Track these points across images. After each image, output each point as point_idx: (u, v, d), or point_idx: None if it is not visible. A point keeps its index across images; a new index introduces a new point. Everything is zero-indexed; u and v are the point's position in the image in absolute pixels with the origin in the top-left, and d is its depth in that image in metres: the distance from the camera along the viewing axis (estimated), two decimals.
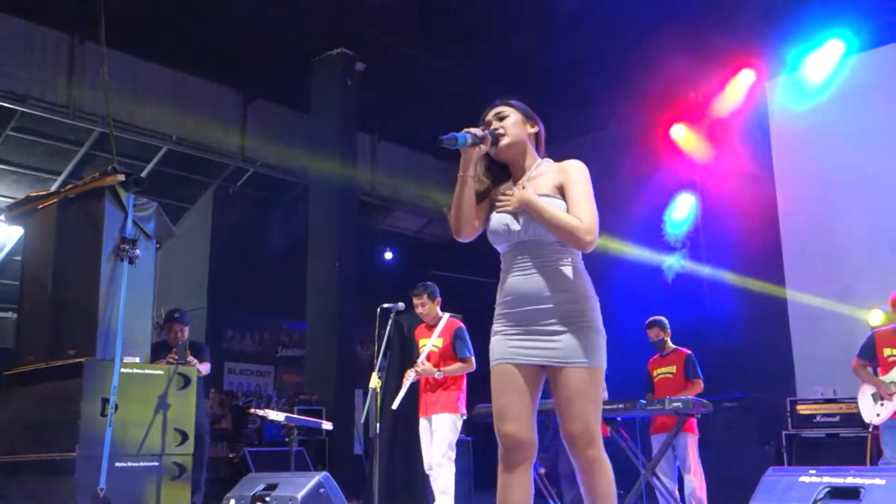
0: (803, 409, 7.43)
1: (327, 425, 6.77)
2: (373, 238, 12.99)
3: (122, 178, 4.70)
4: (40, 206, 5.14)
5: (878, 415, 5.68)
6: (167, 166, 11.07)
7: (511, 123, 2.96)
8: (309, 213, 10.68)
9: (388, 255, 13.28)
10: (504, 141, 2.94)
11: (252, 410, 7.33)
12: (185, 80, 10.93)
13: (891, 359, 5.66)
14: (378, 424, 5.74)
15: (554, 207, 2.83)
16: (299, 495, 4.21)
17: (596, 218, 2.81)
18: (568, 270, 2.87)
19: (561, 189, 2.89)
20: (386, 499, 5.77)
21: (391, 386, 6.22)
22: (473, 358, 5.77)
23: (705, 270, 10.15)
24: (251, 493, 4.46)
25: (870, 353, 5.81)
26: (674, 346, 6.82)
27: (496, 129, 2.93)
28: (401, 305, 5.89)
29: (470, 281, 13.63)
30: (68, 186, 5.18)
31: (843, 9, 8.65)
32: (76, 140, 10.28)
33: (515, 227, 2.89)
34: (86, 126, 9.99)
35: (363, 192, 12.16)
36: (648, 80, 9.36)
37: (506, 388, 2.85)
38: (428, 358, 5.73)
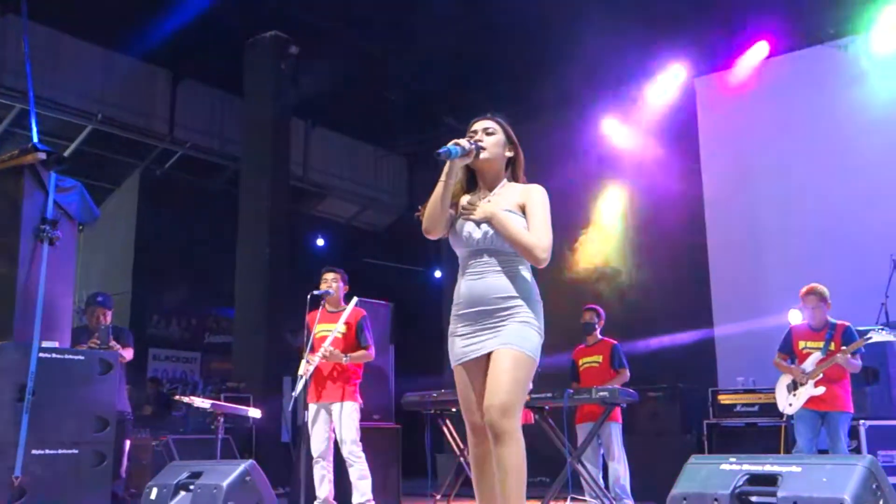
0: (724, 399, 7.63)
1: (254, 413, 6.69)
2: (304, 224, 12.85)
3: (42, 156, 4.55)
4: None
5: (790, 404, 5.89)
6: (92, 146, 10.76)
7: (493, 142, 3.26)
8: (239, 198, 10.51)
9: (320, 242, 13.16)
10: (483, 155, 3.21)
11: (177, 397, 7.19)
12: (113, 58, 10.62)
13: (805, 351, 5.91)
14: (306, 412, 5.69)
15: (515, 223, 3.13)
16: (224, 483, 4.14)
17: (551, 239, 3.13)
18: (517, 276, 3.17)
19: (522, 208, 3.19)
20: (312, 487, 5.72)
21: None
22: (374, 348, 5.80)
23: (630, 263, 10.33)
24: (174, 482, 4.36)
25: (788, 347, 6.06)
26: (600, 336, 6.95)
27: (479, 142, 3.21)
28: (331, 293, 5.84)
29: (400, 269, 13.65)
30: None
31: (769, 12, 8.87)
32: None
33: (477, 234, 3.18)
34: (6, 102, 9.63)
35: (295, 178, 12.02)
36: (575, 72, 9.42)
37: (466, 384, 3.17)
38: (333, 344, 5.64)
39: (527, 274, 3.21)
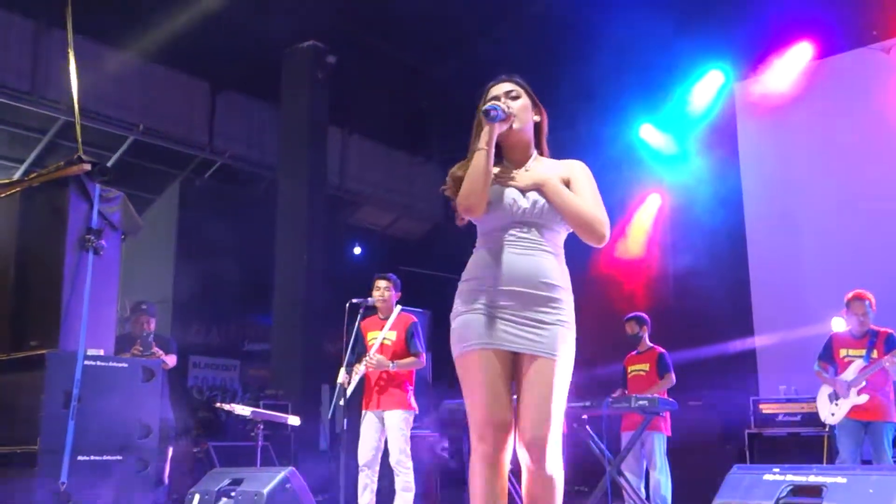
0: (766, 409, 7.54)
1: (294, 420, 6.73)
2: (341, 233, 12.92)
3: (88, 167, 4.62)
4: (3, 195, 5.04)
5: (832, 414, 5.80)
6: (133, 156, 10.92)
7: (521, 107, 2.85)
8: (277, 207, 10.61)
9: (357, 251, 13.22)
10: (515, 124, 2.82)
11: (217, 405, 7.27)
12: (153, 70, 10.78)
13: (846, 359, 5.82)
14: (345, 420, 5.70)
15: (571, 194, 2.77)
16: (265, 490, 4.18)
17: (606, 215, 2.78)
18: (561, 261, 2.81)
19: (566, 184, 2.81)
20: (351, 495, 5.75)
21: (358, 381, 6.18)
22: (425, 355, 5.77)
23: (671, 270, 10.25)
24: (216, 489, 4.42)
25: (828, 355, 5.97)
26: (650, 343, 6.90)
27: (509, 110, 2.80)
28: (370, 301, 5.86)
29: (436, 277, 13.65)
30: (32, 175, 5.08)
31: (810, 15, 8.76)
32: (40, 128, 10.09)
33: (523, 202, 2.75)
34: (50, 114, 9.81)
35: (332, 187, 12.10)
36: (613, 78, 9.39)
37: (498, 373, 2.67)
38: (380, 351, 5.66)
39: (563, 258, 2.83)
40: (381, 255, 13.13)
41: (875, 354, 5.69)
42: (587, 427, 5.96)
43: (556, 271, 2.75)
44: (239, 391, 11.70)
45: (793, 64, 9.33)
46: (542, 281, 2.70)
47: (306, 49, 10.44)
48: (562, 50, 9.53)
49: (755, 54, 9.52)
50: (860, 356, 5.74)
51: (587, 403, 5.85)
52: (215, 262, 11.41)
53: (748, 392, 8.14)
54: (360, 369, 5.56)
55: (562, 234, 2.82)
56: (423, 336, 6.00)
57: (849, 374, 5.74)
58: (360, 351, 5.70)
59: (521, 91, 2.89)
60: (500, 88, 2.89)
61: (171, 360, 6.36)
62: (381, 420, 5.61)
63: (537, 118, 2.91)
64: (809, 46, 9.18)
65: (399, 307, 5.90)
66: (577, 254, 3.10)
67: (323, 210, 10.70)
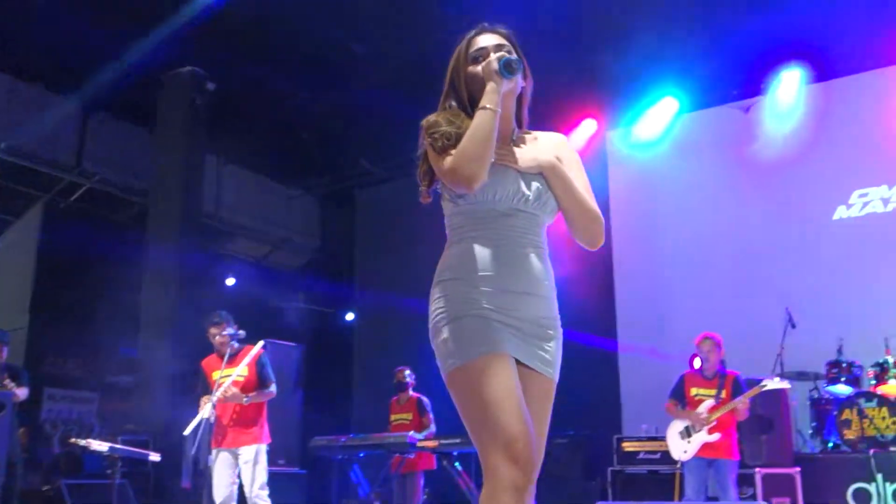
0: (628, 447, 7.78)
1: (154, 456, 6.48)
2: (214, 263, 12.61)
3: None
4: None
5: (685, 451, 6.04)
6: None
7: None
8: (147, 234, 10.26)
9: (230, 282, 12.93)
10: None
11: (72, 440, 6.90)
12: (19, 86, 10.30)
13: (697, 398, 6.09)
14: (209, 457, 5.54)
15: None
16: None
17: None
18: (549, 261, 2.39)
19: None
20: None
21: None
22: (275, 385, 5.75)
23: None
24: None
25: (679, 393, 6.24)
26: (412, 393, 7.13)
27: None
28: (242, 333, 5.76)
29: (311, 311, 13.49)
30: None
31: (677, 70, 9.29)
32: None
33: (525, 190, 2.30)
34: None
35: (206, 215, 11.82)
36: None
37: (518, 393, 2.15)
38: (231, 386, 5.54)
39: None
40: (255, 287, 12.88)
41: (724, 395, 5.99)
42: (455, 464, 6.01)
43: (550, 277, 2.36)
44: (96, 426, 11.16)
45: (661, 116, 9.89)
46: (545, 285, 2.33)
47: (185, 74, 10.21)
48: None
49: (626, 106, 10.00)
50: (710, 395, 6.03)
51: (458, 440, 5.90)
52: (77, 289, 10.92)
53: (612, 430, 8.38)
54: (207, 409, 5.39)
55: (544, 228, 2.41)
56: (285, 371, 5.96)
57: (701, 410, 6.01)
58: (205, 391, 5.58)
59: (512, 48, 2.39)
60: (486, 39, 2.40)
61: (22, 393, 6.02)
62: (236, 457, 5.51)
63: (524, 82, 2.41)
64: (675, 101, 9.73)
65: (261, 342, 5.81)
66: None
67: (195, 239, 10.42)
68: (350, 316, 12.90)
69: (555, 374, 2.32)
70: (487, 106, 2.23)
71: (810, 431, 7.42)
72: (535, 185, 2.30)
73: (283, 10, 8.65)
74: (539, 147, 2.40)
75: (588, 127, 10.29)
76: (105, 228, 11.66)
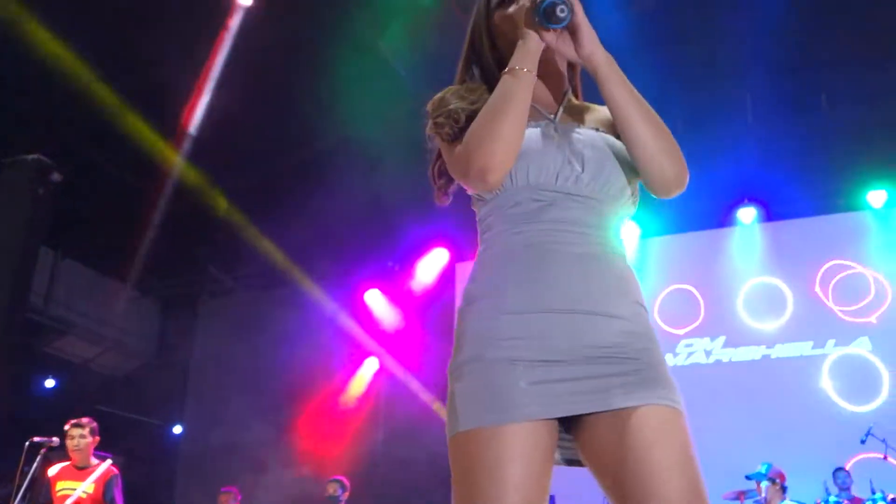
0: None
1: None
2: (35, 362, 11.79)
3: None
4: None
5: None
6: None
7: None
8: None
9: (50, 384, 12.08)
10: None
11: None
12: None
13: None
14: None
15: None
16: None
17: None
18: (629, 263, 1.74)
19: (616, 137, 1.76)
20: None
21: None
22: None
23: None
24: None
25: None
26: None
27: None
28: (55, 440, 5.39)
29: (135, 420, 12.73)
30: None
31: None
32: None
33: (577, 167, 1.67)
34: None
35: (34, 310, 11.12)
36: (350, 244, 9.75)
37: (512, 458, 1.50)
38: None
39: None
40: (77, 390, 12.09)
41: None
42: None
43: (634, 281, 1.72)
44: None
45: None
46: (620, 298, 1.65)
47: (30, 162, 9.79)
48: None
49: (473, 238, 10.33)
50: None
51: None
52: None
53: None
54: None
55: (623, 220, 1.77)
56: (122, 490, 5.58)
57: None
58: (44, 501, 5.17)
59: None
60: None
61: None
62: None
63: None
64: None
65: (109, 461, 5.46)
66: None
67: (17, 334, 9.75)
68: (178, 429, 12.28)
69: (675, 403, 1.62)
70: (520, 66, 1.65)
71: None
72: (589, 155, 1.67)
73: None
74: (596, 116, 1.83)
75: (440, 256, 10.54)
76: None
